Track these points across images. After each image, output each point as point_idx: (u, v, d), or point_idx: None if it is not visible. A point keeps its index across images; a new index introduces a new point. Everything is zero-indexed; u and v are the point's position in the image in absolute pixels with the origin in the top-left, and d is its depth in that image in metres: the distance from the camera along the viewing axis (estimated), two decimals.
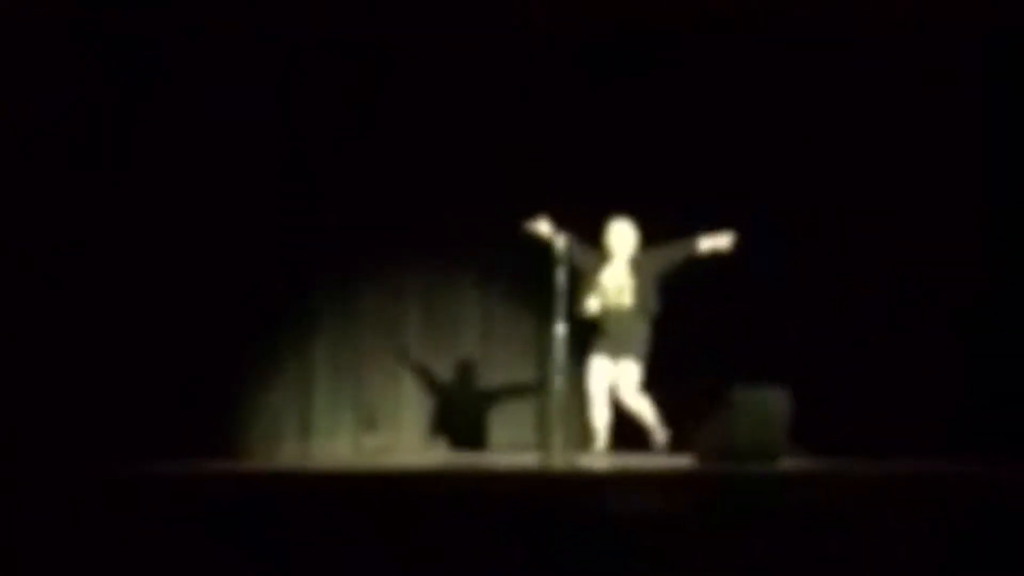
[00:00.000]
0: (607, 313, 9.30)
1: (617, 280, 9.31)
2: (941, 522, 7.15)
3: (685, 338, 10.06)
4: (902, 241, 10.31)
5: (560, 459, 8.92)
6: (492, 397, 10.69)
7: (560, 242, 9.00)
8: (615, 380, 9.33)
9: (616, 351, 9.29)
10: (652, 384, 9.56)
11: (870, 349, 10.25)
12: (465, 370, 10.73)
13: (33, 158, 9.47)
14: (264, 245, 10.15)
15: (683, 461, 8.96)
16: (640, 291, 9.29)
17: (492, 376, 10.68)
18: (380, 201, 10.39)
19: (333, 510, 7.07)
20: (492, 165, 10.38)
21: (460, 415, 10.72)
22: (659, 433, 9.37)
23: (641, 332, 9.32)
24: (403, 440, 10.54)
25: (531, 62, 10.43)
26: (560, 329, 8.85)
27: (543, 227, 9.19)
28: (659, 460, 9.11)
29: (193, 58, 9.93)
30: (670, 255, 9.34)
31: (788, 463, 8.79)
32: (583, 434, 9.53)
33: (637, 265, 9.32)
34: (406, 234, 10.44)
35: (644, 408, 9.36)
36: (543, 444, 9.24)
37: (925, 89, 10.36)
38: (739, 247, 9.39)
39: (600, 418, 9.33)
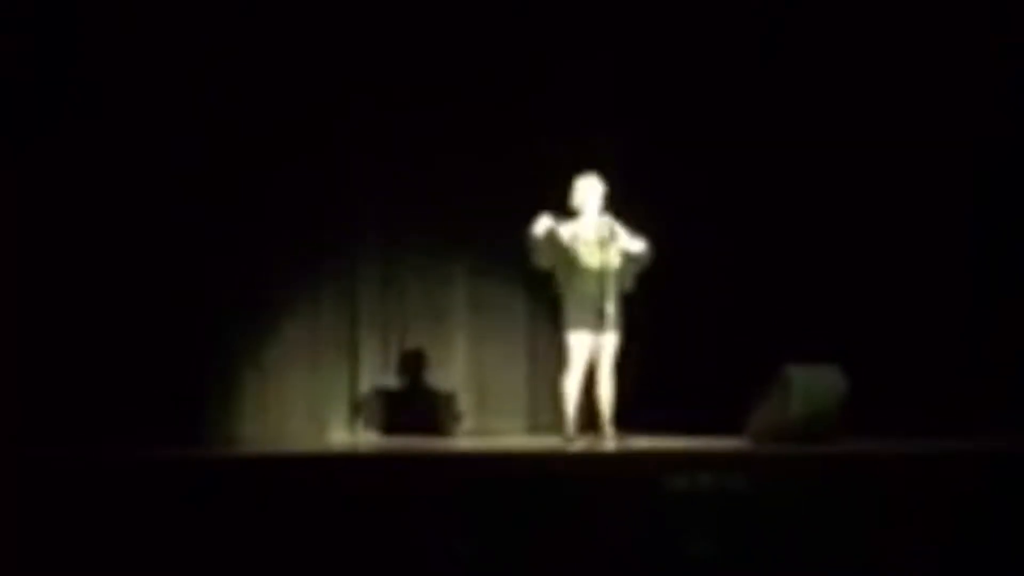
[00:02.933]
0: (589, 275, 8.92)
1: (599, 234, 8.92)
2: (998, 501, 7.06)
3: (737, 317, 10.00)
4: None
5: (612, 441, 8.87)
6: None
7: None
8: (596, 355, 8.98)
9: (597, 322, 8.90)
10: (705, 363, 9.47)
11: (926, 326, 10.14)
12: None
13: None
14: (311, 233, 10.09)
15: (736, 443, 8.84)
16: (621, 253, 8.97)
17: (540, 363, 10.55)
18: (424, 188, 10.35)
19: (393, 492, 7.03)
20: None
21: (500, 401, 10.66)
22: (610, 428, 9.01)
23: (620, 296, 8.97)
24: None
25: None
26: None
27: (544, 225, 8.95)
28: (714, 442, 8.94)
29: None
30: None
31: (844, 444, 8.66)
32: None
33: (614, 228, 8.97)
34: (450, 221, 10.41)
35: (611, 393, 9.03)
36: (595, 426, 9.14)
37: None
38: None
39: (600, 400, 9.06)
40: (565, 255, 8.94)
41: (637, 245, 9.02)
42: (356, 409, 10.29)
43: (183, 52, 9.53)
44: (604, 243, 8.94)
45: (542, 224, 8.94)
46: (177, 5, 9.55)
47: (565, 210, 9.06)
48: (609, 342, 8.96)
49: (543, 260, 9.01)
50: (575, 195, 9.05)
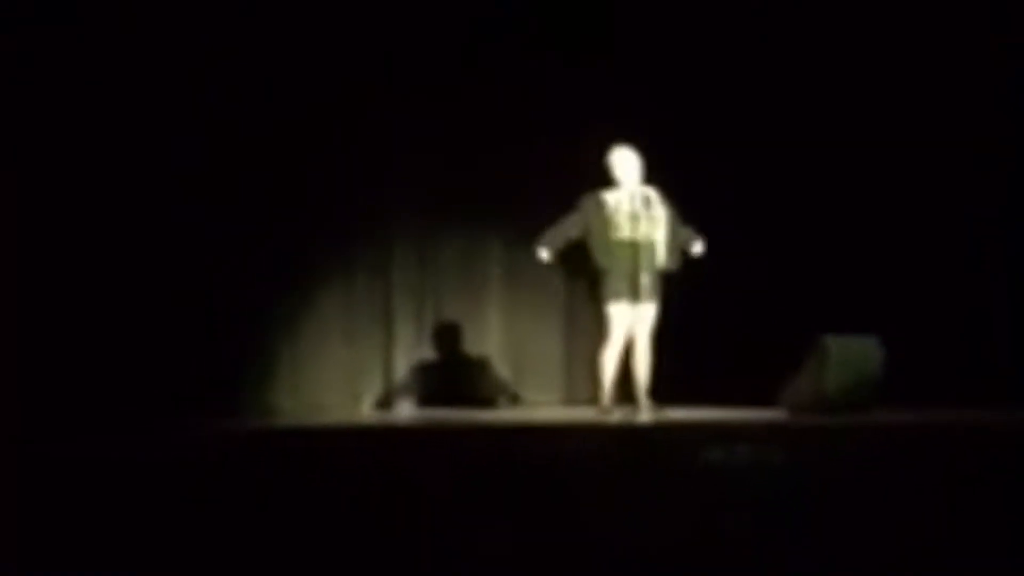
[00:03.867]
0: (623, 247, 8.96)
1: (631, 207, 8.96)
2: None
3: (774, 287, 9.95)
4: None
5: (648, 413, 8.86)
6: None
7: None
8: (633, 327, 8.99)
9: (635, 293, 8.93)
10: (742, 334, 9.41)
11: (965, 296, 10.09)
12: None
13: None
14: (346, 205, 10.13)
15: (772, 414, 8.81)
16: (661, 224, 8.98)
17: (576, 334, 10.53)
18: (458, 160, 10.34)
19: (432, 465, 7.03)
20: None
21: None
22: (646, 400, 9.04)
23: (660, 269, 8.99)
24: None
25: None
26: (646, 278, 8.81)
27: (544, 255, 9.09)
28: (751, 413, 8.90)
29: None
30: (677, 232, 9.05)
31: (881, 414, 8.62)
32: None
33: (651, 200, 8.97)
34: (485, 192, 10.41)
35: (647, 365, 9.05)
36: (632, 398, 9.12)
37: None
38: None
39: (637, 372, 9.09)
40: (601, 228, 8.94)
41: (697, 246, 9.05)
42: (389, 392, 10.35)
43: (213, 37, 9.57)
44: (637, 215, 8.92)
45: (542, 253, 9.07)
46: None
47: (606, 181, 9.06)
48: (646, 313, 8.94)
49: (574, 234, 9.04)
50: (611, 168, 9.05)
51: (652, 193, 8.98)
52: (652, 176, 9.06)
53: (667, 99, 10.48)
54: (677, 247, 9.06)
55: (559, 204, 9.20)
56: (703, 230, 9.23)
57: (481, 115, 10.34)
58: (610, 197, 8.99)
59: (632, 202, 8.96)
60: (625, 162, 9.03)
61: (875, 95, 10.31)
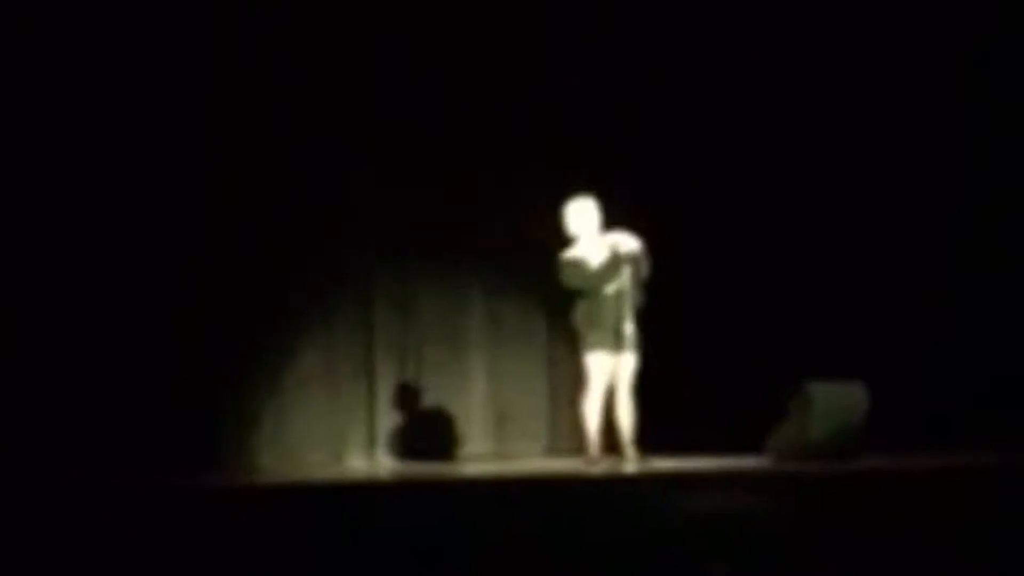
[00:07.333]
0: (603, 299, 8.84)
1: (602, 258, 8.87)
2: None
3: (757, 334, 9.96)
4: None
5: (632, 463, 8.83)
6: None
7: None
8: (615, 376, 8.92)
9: (615, 343, 8.87)
10: (723, 381, 9.40)
11: (949, 340, 10.11)
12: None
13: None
14: (325, 258, 10.10)
15: (757, 461, 8.78)
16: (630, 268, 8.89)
17: (559, 384, 10.50)
18: (438, 209, 10.30)
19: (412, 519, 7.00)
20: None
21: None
22: (631, 449, 8.97)
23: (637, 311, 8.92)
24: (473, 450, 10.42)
25: None
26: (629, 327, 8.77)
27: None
28: (735, 461, 8.87)
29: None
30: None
31: (866, 461, 8.60)
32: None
33: (619, 246, 8.87)
34: (465, 242, 10.39)
35: (631, 414, 8.98)
36: (616, 448, 9.10)
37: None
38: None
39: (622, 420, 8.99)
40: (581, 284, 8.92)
41: (632, 243, 8.93)
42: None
43: (182, 87, 9.56)
44: (610, 266, 8.87)
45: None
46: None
47: (564, 239, 9.00)
48: (627, 363, 8.91)
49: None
50: (569, 222, 8.98)
51: (618, 238, 8.93)
52: (633, 222, 9.05)
53: (645, 144, 10.49)
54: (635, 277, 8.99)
55: (539, 255, 9.19)
56: (684, 276, 9.22)
57: (461, 166, 10.32)
58: (581, 250, 8.95)
59: (602, 252, 8.90)
60: (584, 214, 8.98)
61: (852, 135, 10.37)
